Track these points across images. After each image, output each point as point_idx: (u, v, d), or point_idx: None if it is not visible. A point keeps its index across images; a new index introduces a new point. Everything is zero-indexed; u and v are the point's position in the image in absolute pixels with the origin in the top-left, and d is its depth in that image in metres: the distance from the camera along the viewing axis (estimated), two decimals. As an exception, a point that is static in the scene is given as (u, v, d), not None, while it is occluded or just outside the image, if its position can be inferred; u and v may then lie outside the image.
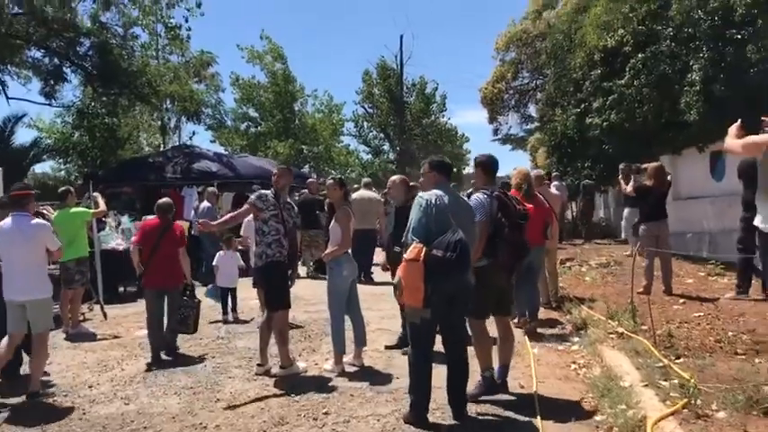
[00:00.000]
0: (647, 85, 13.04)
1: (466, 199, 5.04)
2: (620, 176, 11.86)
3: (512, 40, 23.49)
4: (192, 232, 13.96)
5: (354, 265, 6.44)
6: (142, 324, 9.12)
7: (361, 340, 6.48)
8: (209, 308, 9.23)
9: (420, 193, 4.78)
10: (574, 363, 6.20)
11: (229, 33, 66.74)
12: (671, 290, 8.85)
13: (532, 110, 26.55)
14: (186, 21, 18.15)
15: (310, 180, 14.87)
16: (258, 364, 6.38)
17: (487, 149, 72.82)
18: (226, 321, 9.22)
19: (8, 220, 5.83)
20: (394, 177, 7.30)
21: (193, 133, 38.17)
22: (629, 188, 9.43)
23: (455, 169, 25.38)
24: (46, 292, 5.96)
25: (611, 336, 6.59)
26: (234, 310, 9.51)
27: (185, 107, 17.18)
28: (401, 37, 37.21)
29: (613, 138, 15.25)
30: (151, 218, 7.90)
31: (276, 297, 6.16)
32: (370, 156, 39.13)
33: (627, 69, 13.87)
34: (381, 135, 38.87)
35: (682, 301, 8.29)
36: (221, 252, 9.63)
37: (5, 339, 5.83)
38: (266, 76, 31.69)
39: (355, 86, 38.25)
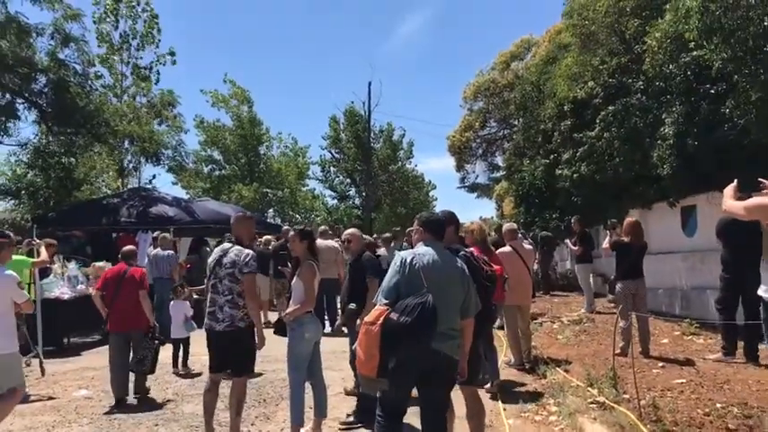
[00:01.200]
0: (618, 138, 12.88)
1: (458, 260, 4.36)
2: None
3: (479, 90, 23.54)
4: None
5: (318, 326, 5.84)
6: (82, 383, 8.46)
7: (321, 410, 5.86)
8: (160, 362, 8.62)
9: (400, 252, 4.37)
10: (553, 437, 5.68)
11: (194, 77, 66.62)
12: (648, 351, 8.43)
13: (499, 159, 26.52)
14: (156, 64, 17.81)
15: (285, 228, 14.48)
16: None
17: (454, 197, 72.69)
18: (177, 374, 8.79)
19: None
20: (353, 230, 6.93)
21: (153, 176, 37.45)
22: (605, 244, 9.08)
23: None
24: (11, 347, 5.60)
25: (592, 406, 6.10)
26: (185, 363, 9.04)
27: (144, 148, 16.52)
28: (369, 84, 37.45)
29: (583, 189, 15.08)
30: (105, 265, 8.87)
31: (249, 360, 5.64)
32: (335, 201, 38.78)
33: (597, 121, 13.75)
34: (347, 180, 38.61)
35: (661, 364, 7.86)
36: (171, 303, 9.23)
37: None
38: (231, 119, 31.28)
39: (322, 131, 38.14)
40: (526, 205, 19.18)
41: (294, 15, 79.31)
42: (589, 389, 6.64)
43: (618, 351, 8.49)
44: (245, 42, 74.50)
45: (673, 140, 10.70)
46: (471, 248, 5.27)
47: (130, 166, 19.46)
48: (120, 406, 7.07)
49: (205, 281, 5.76)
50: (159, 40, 18.58)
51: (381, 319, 3.80)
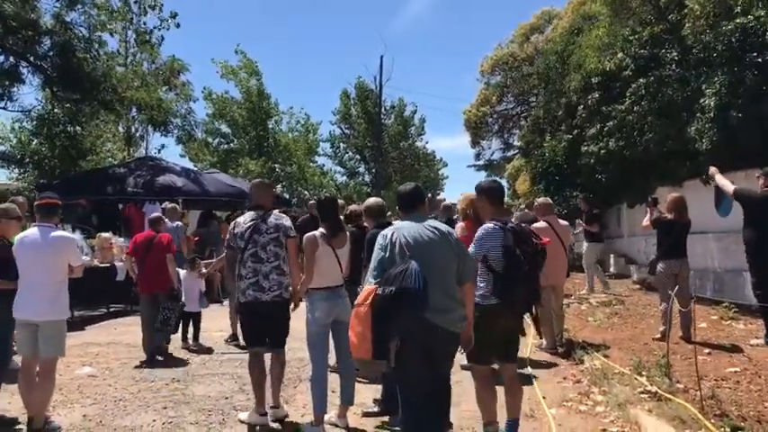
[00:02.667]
0: (650, 111, 12.23)
1: (441, 228, 3.99)
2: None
3: (498, 63, 22.76)
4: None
5: (335, 304, 5.23)
6: (86, 359, 7.96)
7: (347, 396, 5.33)
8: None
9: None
10: (604, 431, 5.12)
11: (204, 47, 65.82)
12: (690, 337, 7.83)
13: (516, 137, 25.78)
14: (159, 29, 17.09)
15: (312, 202, 13.97)
16: (272, 406, 5.48)
17: (464, 175, 72.34)
18: (188, 349, 8.50)
19: (33, 230, 5.30)
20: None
21: (162, 146, 36.85)
22: (645, 221, 8.48)
23: (429, 195, 24.41)
24: (63, 313, 5.31)
25: (644, 396, 5.54)
26: (196, 338, 8.76)
27: (152, 116, 15.87)
28: (381, 57, 36.81)
29: (609, 167, 14.43)
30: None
31: (287, 332, 5.44)
32: (345, 177, 38.14)
33: (627, 94, 13.10)
34: (357, 157, 37.96)
35: (707, 351, 7.29)
36: (184, 272, 8.80)
37: (21, 377, 5.23)
38: (240, 91, 30.50)
39: (332, 106, 37.38)
40: (545, 183, 18.50)
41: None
42: (637, 377, 6.08)
43: (657, 336, 7.98)
44: (255, 16, 73.45)
45: (714, 113, 10.05)
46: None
47: (137, 135, 18.85)
48: (150, 362, 7.64)
49: (233, 253, 5.43)
50: (162, 4, 17.83)
51: (370, 298, 3.54)
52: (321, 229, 5.34)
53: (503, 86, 23.48)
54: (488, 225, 4.60)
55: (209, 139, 30.37)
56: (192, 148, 27.98)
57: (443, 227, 4.03)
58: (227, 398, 6.18)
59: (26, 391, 5.16)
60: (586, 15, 16.93)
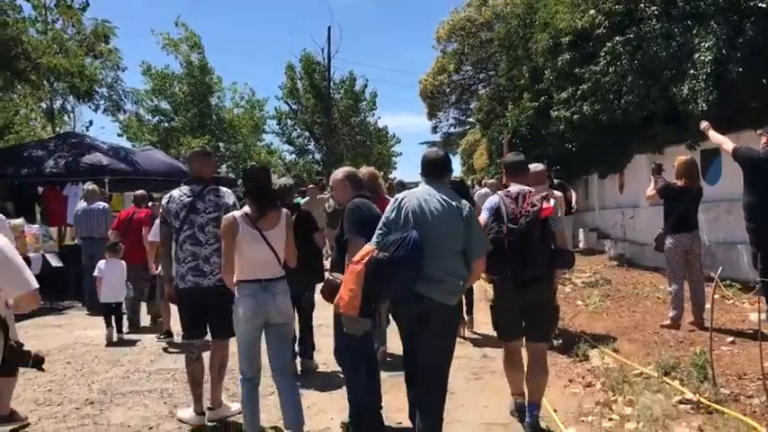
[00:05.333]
0: (630, 72, 11.13)
1: (454, 200, 3.84)
2: None
3: (454, 30, 21.44)
4: (75, 240, 11.32)
5: (261, 301, 4.14)
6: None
7: (293, 417, 4.23)
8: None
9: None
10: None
11: (142, 20, 62.84)
12: (703, 322, 6.78)
13: (473, 109, 24.59)
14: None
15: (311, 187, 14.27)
16: (209, 407, 4.88)
17: (416, 152, 71.78)
18: (111, 344, 7.67)
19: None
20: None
21: (90, 122, 34.51)
22: (650, 190, 7.36)
23: (381, 173, 23.05)
24: None
25: (684, 407, 4.40)
26: (119, 330, 7.92)
27: (74, 84, 14.02)
28: (329, 28, 34.77)
29: (581, 134, 13.37)
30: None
31: (231, 320, 4.31)
32: (294, 156, 36.42)
33: (602, 54, 11.97)
34: (306, 134, 36.21)
35: (730, 339, 6.23)
36: (103, 261, 7.89)
37: None
38: (182, 65, 28.58)
39: (277, 82, 35.64)
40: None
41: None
42: (666, 379, 4.94)
43: (667, 322, 6.91)
44: (193, -10, 70.42)
45: (710, 68, 8.99)
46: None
47: (62, 110, 16.89)
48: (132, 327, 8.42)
49: (168, 229, 4.83)
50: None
51: (366, 258, 3.64)
52: (245, 209, 4.26)
53: (460, 54, 22.19)
54: (491, 197, 4.59)
55: (149, 117, 28.46)
56: (130, 126, 25.97)
57: (457, 200, 3.86)
58: (151, 428, 4.80)
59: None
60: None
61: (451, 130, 27.21)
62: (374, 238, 3.76)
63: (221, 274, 4.41)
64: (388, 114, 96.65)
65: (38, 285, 3.19)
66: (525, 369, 4.50)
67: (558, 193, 7.35)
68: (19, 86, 15.10)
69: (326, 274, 4.48)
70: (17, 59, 12.74)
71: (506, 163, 5.00)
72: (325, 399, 5.33)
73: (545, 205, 4.30)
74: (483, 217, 4.32)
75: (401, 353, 4.11)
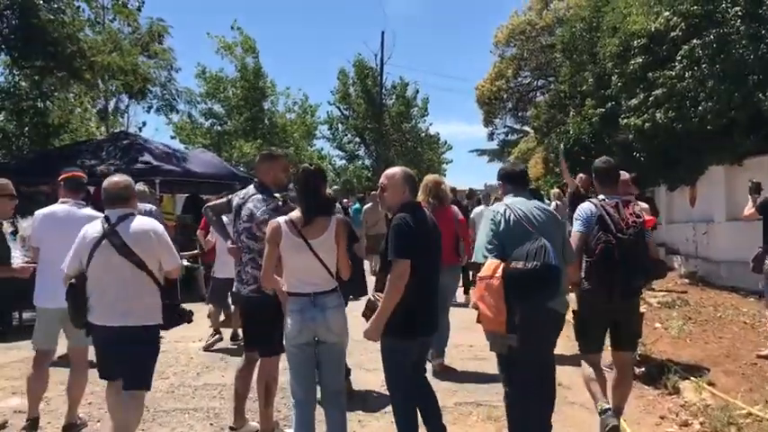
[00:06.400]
0: (710, 77, 10.35)
1: (548, 208, 4.06)
2: None
3: (513, 34, 20.74)
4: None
5: (309, 317, 3.75)
6: (18, 385, 6.10)
7: None
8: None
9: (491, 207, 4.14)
10: None
11: (199, 24, 63.82)
12: (804, 353, 6.06)
13: (530, 116, 23.84)
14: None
15: (373, 193, 13.28)
16: (231, 428, 4.68)
17: (466, 160, 71.04)
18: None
19: (61, 207, 4.90)
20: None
21: (144, 123, 34.87)
22: (747, 210, 6.68)
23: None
24: None
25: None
26: None
27: (128, 83, 13.89)
28: (382, 34, 34.49)
29: (651, 143, 12.56)
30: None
31: (279, 335, 3.95)
32: (344, 161, 36.19)
33: (678, 58, 11.21)
34: (357, 139, 35.99)
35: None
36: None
37: (32, 366, 4.71)
38: (236, 69, 28.60)
39: (330, 87, 35.52)
40: (569, 165, 16.64)
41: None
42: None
43: (766, 352, 6.19)
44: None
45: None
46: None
47: (113, 107, 16.84)
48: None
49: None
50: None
51: (500, 271, 3.53)
52: (291, 214, 3.82)
53: (519, 59, 21.47)
54: (585, 204, 4.39)
55: (202, 120, 28.56)
56: (183, 129, 26.04)
57: (549, 208, 4.03)
58: (195, 454, 4.36)
59: (38, 386, 4.69)
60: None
61: (506, 137, 26.47)
62: (486, 252, 3.72)
63: (254, 285, 4.27)
64: (440, 121, 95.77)
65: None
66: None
67: (644, 205, 6.70)
68: (74, 85, 15.06)
69: (370, 292, 3.94)
70: (73, 58, 12.64)
71: (597, 169, 4.62)
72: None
73: (647, 217, 4.35)
74: (577, 226, 4.29)
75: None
